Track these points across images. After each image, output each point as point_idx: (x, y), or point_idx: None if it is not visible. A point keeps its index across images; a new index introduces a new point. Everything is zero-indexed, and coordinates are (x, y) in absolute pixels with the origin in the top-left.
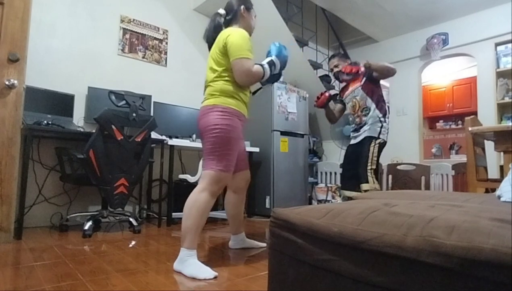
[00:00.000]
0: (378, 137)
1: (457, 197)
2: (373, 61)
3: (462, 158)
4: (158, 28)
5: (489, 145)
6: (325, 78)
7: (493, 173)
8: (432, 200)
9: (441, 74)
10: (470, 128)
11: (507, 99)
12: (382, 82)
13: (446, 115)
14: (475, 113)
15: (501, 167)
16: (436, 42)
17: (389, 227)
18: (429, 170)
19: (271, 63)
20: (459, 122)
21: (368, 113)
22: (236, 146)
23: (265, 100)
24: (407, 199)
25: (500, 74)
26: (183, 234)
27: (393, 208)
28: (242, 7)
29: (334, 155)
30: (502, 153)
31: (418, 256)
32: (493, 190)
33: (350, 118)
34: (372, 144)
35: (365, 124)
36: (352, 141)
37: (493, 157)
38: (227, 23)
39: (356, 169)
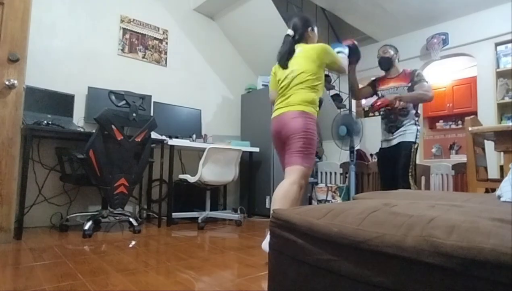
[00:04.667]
0: (415, 142)
1: (457, 197)
2: (405, 94)
3: (462, 158)
4: (158, 28)
5: (489, 145)
6: (326, 78)
7: (493, 173)
8: (432, 200)
9: (441, 74)
10: (470, 128)
11: (507, 99)
12: None
13: (446, 115)
14: (475, 113)
15: (501, 167)
16: (436, 42)
17: (389, 227)
18: (429, 170)
19: (343, 54)
20: (459, 122)
21: (406, 115)
22: (316, 148)
23: (265, 101)
24: (407, 199)
25: (500, 74)
26: None
27: (393, 208)
28: (309, 28)
29: (334, 155)
30: (502, 153)
31: (418, 256)
32: (493, 190)
33: (382, 113)
34: (412, 149)
35: (400, 124)
36: (386, 145)
37: (493, 157)
38: (295, 43)
39: (395, 174)
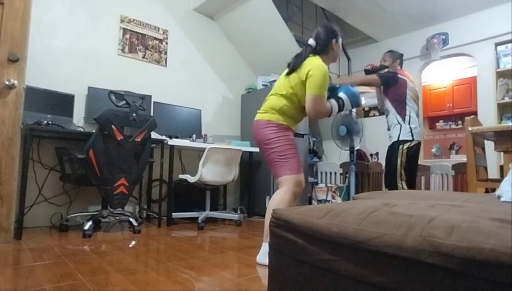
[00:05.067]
0: (402, 141)
1: (457, 197)
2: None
3: (462, 158)
4: (158, 28)
5: (489, 145)
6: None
7: (493, 173)
8: (432, 200)
9: (441, 74)
10: (470, 128)
11: (507, 99)
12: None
13: (446, 115)
14: (475, 113)
15: (501, 167)
16: (436, 42)
17: (389, 227)
18: (429, 170)
19: (340, 101)
20: (459, 122)
21: (388, 115)
22: (296, 149)
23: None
24: (407, 199)
25: (500, 74)
26: (267, 230)
27: (393, 208)
28: (333, 40)
29: (334, 155)
30: (502, 153)
31: (418, 256)
32: (493, 190)
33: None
34: (399, 149)
35: (389, 123)
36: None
37: (493, 157)
38: (316, 53)
39: (388, 173)
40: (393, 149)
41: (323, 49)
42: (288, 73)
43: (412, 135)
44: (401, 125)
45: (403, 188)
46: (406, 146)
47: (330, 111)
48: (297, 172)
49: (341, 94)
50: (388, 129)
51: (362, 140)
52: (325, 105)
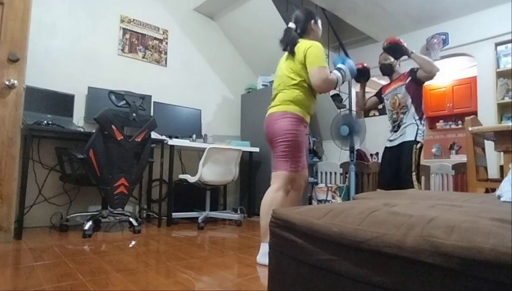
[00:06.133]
0: (417, 141)
1: (457, 197)
2: (416, 55)
3: (462, 158)
4: (158, 28)
5: (489, 145)
6: None
7: (493, 173)
8: (432, 200)
9: (441, 74)
10: (470, 128)
11: (507, 99)
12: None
13: (446, 115)
14: (475, 113)
15: (501, 167)
16: (436, 42)
17: (389, 227)
18: (429, 170)
19: (341, 71)
20: (459, 122)
21: (406, 112)
22: (304, 148)
23: (265, 100)
24: (407, 199)
25: (500, 74)
26: (264, 230)
27: (393, 208)
28: (312, 21)
29: (334, 155)
30: (502, 153)
31: (418, 256)
32: (493, 190)
33: (388, 115)
34: (414, 149)
35: (401, 122)
36: (389, 144)
37: (493, 157)
38: (298, 36)
39: (397, 174)
40: (407, 147)
41: (303, 31)
42: (289, 56)
43: (423, 137)
44: (417, 126)
45: (421, 188)
46: (418, 146)
47: (336, 81)
48: (297, 169)
49: (339, 65)
50: (396, 127)
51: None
52: (331, 75)
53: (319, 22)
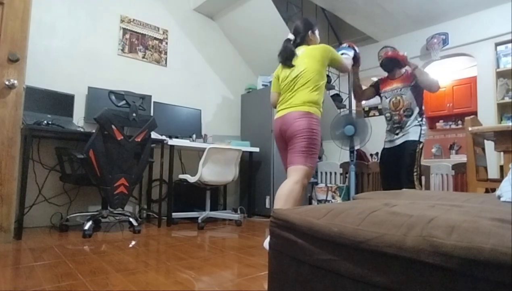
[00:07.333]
0: (420, 141)
1: (457, 197)
2: (420, 70)
3: (462, 158)
4: (158, 28)
5: (489, 145)
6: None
7: (493, 173)
8: (432, 200)
9: (441, 74)
10: (470, 128)
11: (507, 99)
12: None
13: (446, 115)
14: (475, 113)
15: (501, 167)
16: (436, 42)
17: (389, 227)
18: (429, 170)
19: (346, 56)
20: (459, 122)
21: (410, 115)
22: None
23: (265, 101)
24: (407, 199)
25: (500, 74)
26: None
27: (393, 208)
28: (309, 32)
29: (334, 155)
30: (502, 153)
31: (418, 256)
32: (493, 190)
33: (387, 115)
34: (417, 149)
35: (404, 125)
36: (389, 145)
37: (493, 157)
38: (296, 46)
39: (399, 174)
40: (409, 146)
41: (302, 41)
42: (288, 66)
43: (425, 137)
44: (421, 126)
45: (421, 188)
46: (420, 146)
47: (351, 63)
48: (313, 166)
49: (342, 51)
50: (398, 129)
51: None
52: (347, 62)
53: (317, 32)
